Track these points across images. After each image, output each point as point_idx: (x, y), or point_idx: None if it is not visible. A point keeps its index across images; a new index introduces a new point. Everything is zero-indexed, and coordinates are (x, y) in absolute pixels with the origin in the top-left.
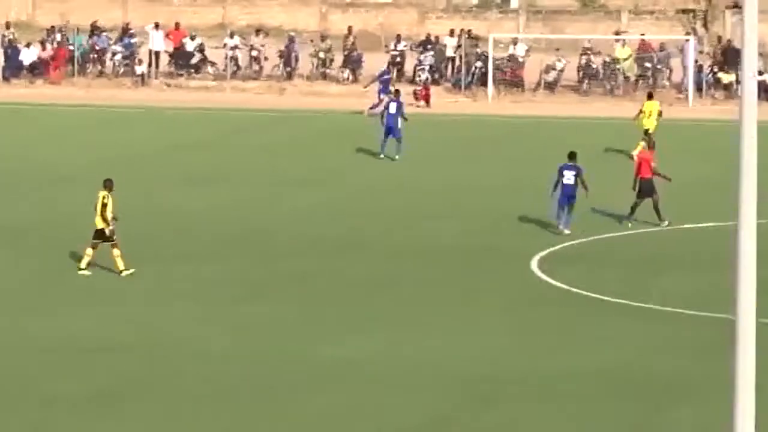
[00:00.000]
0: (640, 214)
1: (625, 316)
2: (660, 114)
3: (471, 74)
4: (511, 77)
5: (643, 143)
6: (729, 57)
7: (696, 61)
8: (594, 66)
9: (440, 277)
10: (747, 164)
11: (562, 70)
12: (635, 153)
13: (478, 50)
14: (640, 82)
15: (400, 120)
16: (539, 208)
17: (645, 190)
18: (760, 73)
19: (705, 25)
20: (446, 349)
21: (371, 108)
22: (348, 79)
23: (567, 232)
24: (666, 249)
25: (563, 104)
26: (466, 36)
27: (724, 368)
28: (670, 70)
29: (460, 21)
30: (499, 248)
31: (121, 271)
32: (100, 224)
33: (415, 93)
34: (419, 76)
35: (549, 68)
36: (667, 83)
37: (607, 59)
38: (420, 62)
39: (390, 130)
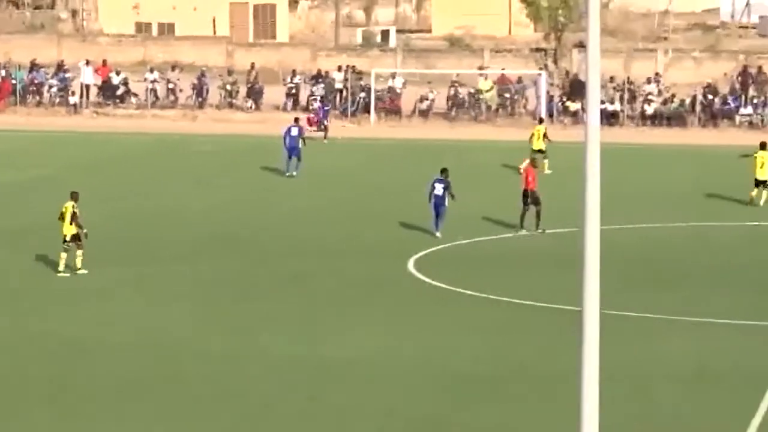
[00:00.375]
0: (507, 219)
1: (491, 309)
2: (545, 136)
3: (356, 103)
4: (390, 106)
5: (528, 160)
6: (575, 88)
7: (547, 92)
8: (461, 96)
9: (319, 276)
10: (591, 179)
11: (433, 100)
12: (522, 167)
13: (362, 83)
14: (500, 110)
15: (300, 142)
16: (415, 216)
17: (530, 199)
18: (602, 102)
19: (555, 61)
20: (324, 342)
21: (325, 137)
22: (251, 107)
23: (438, 235)
24: (531, 250)
25: (435, 129)
26: (352, 71)
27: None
28: (526, 100)
29: (347, 58)
30: (380, 251)
31: (78, 269)
32: (70, 230)
33: (308, 120)
34: (312, 105)
35: (422, 98)
36: (524, 111)
37: (472, 90)
38: (312, 93)
39: (291, 151)
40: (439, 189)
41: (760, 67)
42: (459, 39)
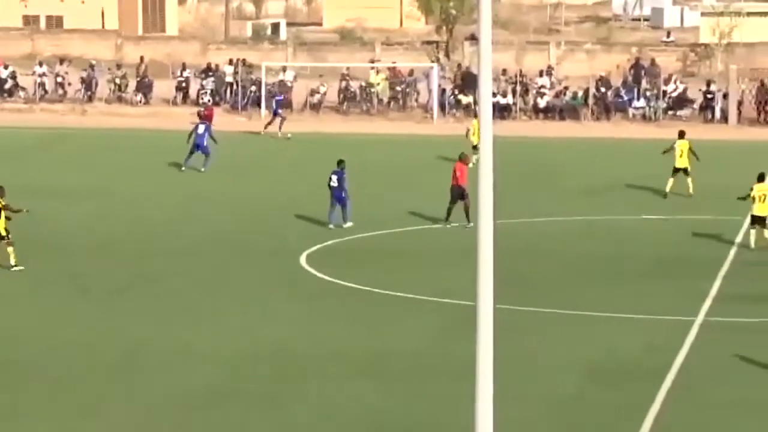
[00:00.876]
0: (403, 213)
1: (382, 305)
2: None
3: (247, 97)
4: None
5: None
6: (467, 81)
7: (439, 85)
8: (352, 89)
9: (215, 274)
10: (485, 173)
11: (324, 93)
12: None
13: (253, 77)
14: (392, 103)
15: (207, 138)
16: (308, 210)
17: (456, 195)
18: (495, 95)
19: (447, 54)
20: (222, 335)
21: (266, 126)
22: (141, 101)
23: (332, 226)
24: (422, 244)
25: (326, 122)
26: (242, 64)
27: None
28: (418, 93)
29: (237, 51)
30: (273, 246)
31: (14, 265)
32: (2, 225)
33: (198, 114)
34: (202, 98)
35: (313, 92)
36: (415, 104)
37: (363, 84)
38: (203, 87)
39: (198, 147)
40: (334, 180)
41: (652, 60)
42: (350, 32)
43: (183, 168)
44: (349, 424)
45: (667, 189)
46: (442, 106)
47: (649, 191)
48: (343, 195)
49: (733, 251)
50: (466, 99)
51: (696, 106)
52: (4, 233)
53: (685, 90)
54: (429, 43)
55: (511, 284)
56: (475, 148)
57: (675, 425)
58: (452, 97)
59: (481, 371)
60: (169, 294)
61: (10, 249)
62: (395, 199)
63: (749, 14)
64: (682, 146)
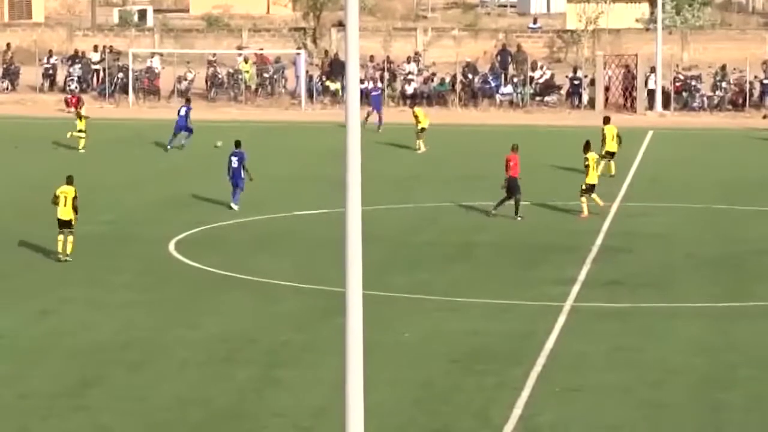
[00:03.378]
0: (272, 200)
1: (247, 290)
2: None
3: (114, 84)
4: (148, 86)
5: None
6: (334, 68)
7: (307, 72)
8: (220, 76)
9: (89, 261)
10: (352, 159)
11: (192, 80)
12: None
13: (120, 63)
14: (260, 90)
15: (187, 121)
16: (179, 197)
17: (513, 186)
18: (362, 81)
19: (314, 41)
20: (94, 322)
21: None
22: (7, 88)
23: (235, 208)
24: (290, 231)
25: (194, 109)
26: (109, 51)
27: (328, 334)
28: (286, 80)
29: (104, 38)
30: (144, 232)
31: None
32: (67, 215)
33: (66, 101)
34: (69, 85)
35: (181, 79)
36: (283, 91)
37: (231, 70)
38: (70, 74)
39: (179, 129)
40: (234, 162)
41: (519, 46)
42: (217, 18)
43: (168, 147)
44: (214, 409)
45: (612, 171)
46: (309, 93)
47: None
48: (241, 176)
49: (600, 237)
50: (333, 85)
51: (563, 92)
52: (73, 222)
53: (552, 76)
54: (296, 29)
55: (377, 270)
56: (422, 131)
57: (544, 409)
58: (320, 83)
59: (350, 357)
60: (35, 282)
61: (70, 238)
62: (263, 186)
63: (615, 0)
64: (610, 131)
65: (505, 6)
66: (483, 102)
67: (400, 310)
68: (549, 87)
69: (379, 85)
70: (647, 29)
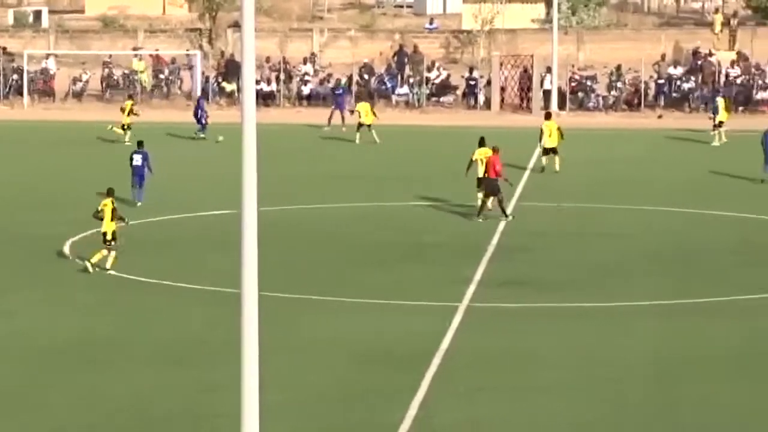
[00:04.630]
0: (167, 202)
1: (144, 293)
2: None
3: (8, 86)
4: (43, 87)
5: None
6: (230, 68)
7: (203, 73)
8: (115, 77)
9: None
10: (248, 159)
11: (87, 81)
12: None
13: (14, 65)
14: (155, 90)
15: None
16: (74, 199)
17: (492, 188)
18: (258, 82)
19: (210, 42)
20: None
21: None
22: None
23: (140, 204)
24: (186, 233)
25: (89, 110)
26: (3, 52)
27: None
28: (181, 81)
29: None
30: (37, 233)
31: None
32: (111, 228)
33: None
34: None
35: (76, 80)
36: (179, 92)
37: (127, 71)
38: None
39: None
40: (138, 160)
41: (415, 47)
42: (113, 19)
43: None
44: (112, 412)
45: (544, 165)
46: (206, 95)
47: (416, 178)
48: (143, 174)
49: (496, 237)
50: (229, 86)
51: (459, 92)
52: (110, 236)
53: (448, 77)
54: (192, 30)
55: (278, 271)
56: (367, 126)
57: (440, 410)
58: (216, 84)
59: (247, 358)
60: None
61: (113, 253)
62: (159, 187)
63: (510, 1)
64: (550, 127)
65: (402, 6)
66: (379, 102)
67: (298, 312)
68: (445, 87)
69: (342, 83)
70: (543, 30)
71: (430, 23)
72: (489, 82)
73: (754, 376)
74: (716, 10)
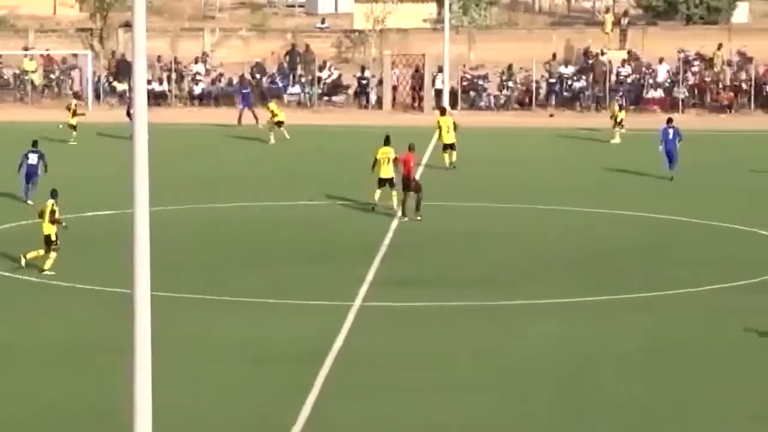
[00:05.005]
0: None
1: (40, 294)
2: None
3: None
4: None
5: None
6: (122, 68)
7: (94, 72)
8: (5, 77)
9: None
10: (140, 158)
11: None
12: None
13: None
14: (46, 90)
15: None
16: None
17: (408, 186)
18: (149, 82)
19: (101, 42)
20: None
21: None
22: None
23: (31, 203)
24: (83, 232)
25: None
26: None
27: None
28: (72, 80)
29: None
30: None
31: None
32: (51, 230)
33: None
34: None
35: None
36: (70, 92)
37: (17, 71)
38: None
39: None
40: (33, 159)
41: (307, 46)
42: (3, 19)
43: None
44: (6, 415)
45: (447, 163)
46: (97, 94)
47: (308, 177)
48: (37, 173)
49: (389, 236)
50: (121, 86)
51: (350, 92)
52: (54, 238)
53: (339, 76)
54: (83, 30)
55: (171, 271)
56: (278, 124)
57: (334, 410)
58: (107, 84)
59: (139, 358)
60: None
61: (42, 252)
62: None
63: (402, 0)
64: (446, 122)
65: (293, 6)
66: (271, 102)
67: (190, 312)
68: (337, 87)
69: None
70: (435, 29)
71: (322, 23)
72: (381, 82)
73: (654, 373)
74: (607, 10)
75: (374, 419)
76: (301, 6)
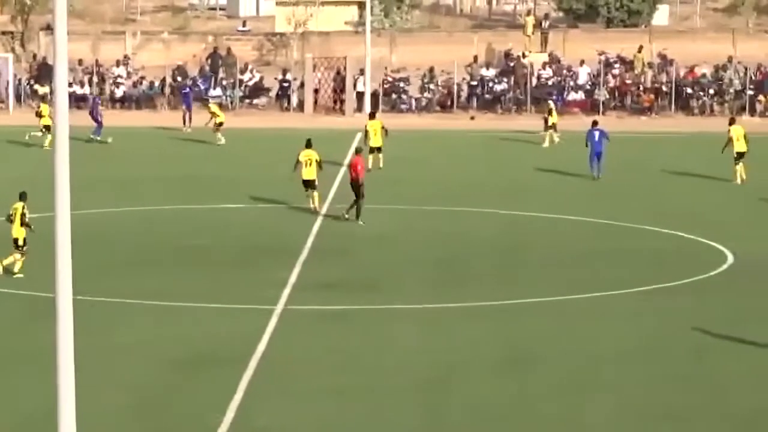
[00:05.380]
0: None
1: None
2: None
3: None
4: None
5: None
6: (43, 71)
7: (15, 75)
8: None
9: None
10: (60, 161)
11: None
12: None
13: None
14: None
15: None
16: None
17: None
18: (71, 85)
19: (22, 45)
20: None
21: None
22: None
23: None
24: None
25: None
26: None
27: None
28: None
29: None
30: None
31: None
32: (21, 233)
33: None
34: None
35: None
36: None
37: None
38: None
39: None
40: None
41: (229, 49)
42: None
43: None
44: None
45: (370, 166)
46: (18, 97)
47: (230, 180)
48: None
49: (311, 239)
50: (42, 89)
51: (272, 94)
52: (21, 242)
53: (261, 79)
54: (4, 33)
55: (92, 275)
56: (218, 126)
57: (259, 413)
58: (28, 87)
59: (62, 361)
60: None
61: (18, 256)
62: None
63: (323, 3)
64: (374, 126)
65: (215, 9)
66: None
67: (114, 315)
68: (258, 89)
69: (189, 82)
70: (356, 32)
71: (243, 26)
72: (302, 85)
73: (520, 377)
74: (528, 13)
75: (296, 422)
76: (222, 9)
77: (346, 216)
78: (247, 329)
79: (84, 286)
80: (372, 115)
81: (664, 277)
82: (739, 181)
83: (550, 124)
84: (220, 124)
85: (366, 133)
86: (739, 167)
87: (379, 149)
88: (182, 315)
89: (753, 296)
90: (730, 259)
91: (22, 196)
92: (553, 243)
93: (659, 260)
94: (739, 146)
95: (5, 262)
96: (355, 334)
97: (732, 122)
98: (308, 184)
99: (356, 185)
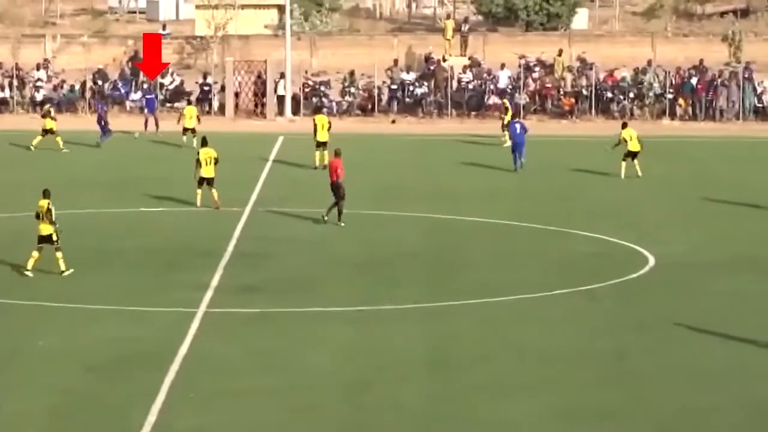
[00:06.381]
0: None
1: None
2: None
3: None
4: None
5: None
6: None
7: None
8: None
9: None
10: None
11: None
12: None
13: None
14: None
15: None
16: None
17: (338, 191)
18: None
19: None
20: None
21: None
22: None
23: None
24: None
25: None
26: None
27: None
28: None
29: None
30: None
31: (62, 272)
32: (47, 230)
33: None
34: None
35: None
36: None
37: None
38: None
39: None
40: None
41: None
42: None
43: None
44: None
45: (317, 162)
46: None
47: (149, 183)
48: None
49: (233, 242)
50: None
51: (193, 98)
52: (55, 237)
53: (182, 82)
54: None
55: (7, 278)
56: (187, 131)
57: (181, 415)
58: None
59: None
60: None
61: (59, 254)
62: None
63: (243, 7)
64: (321, 121)
65: (135, 12)
66: (113, 109)
67: (34, 318)
68: (179, 93)
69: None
70: (276, 35)
71: (163, 29)
72: (223, 88)
73: (446, 378)
74: (448, 16)
75: (218, 424)
76: (142, 12)
77: (326, 218)
78: (168, 332)
79: (4, 290)
80: (318, 110)
81: (587, 279)
82: (623, 176)
83: (506, 123)
84: (192, 130)
85: (315, 127)
86: (636, 163)
87: (324, 144)
88: (103, 318)
89: (672, 298)
90: (651, 261)
91: (46, 193)
92: (477, 246)
93: (583, 263)
94: (633, 146)
95: (29, 264)
96: (278, 336)
97: (624, 126)
98: (208, 182)
99: (336, 187)
